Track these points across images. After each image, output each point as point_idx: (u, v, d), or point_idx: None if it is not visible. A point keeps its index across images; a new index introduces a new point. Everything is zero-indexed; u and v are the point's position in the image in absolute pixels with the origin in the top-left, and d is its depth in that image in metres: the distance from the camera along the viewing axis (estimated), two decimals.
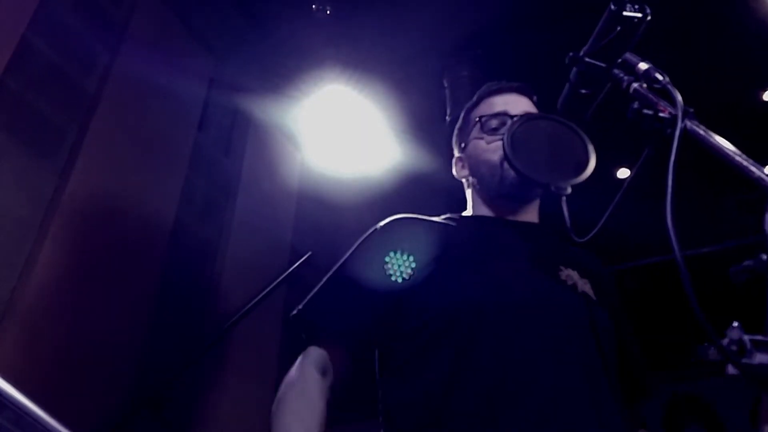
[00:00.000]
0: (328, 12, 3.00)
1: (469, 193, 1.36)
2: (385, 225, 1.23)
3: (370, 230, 1.24)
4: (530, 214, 1.28)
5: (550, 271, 1.12)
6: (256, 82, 3.50)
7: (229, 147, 3.56)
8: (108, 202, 2.55)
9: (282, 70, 3.45)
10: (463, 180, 1.37)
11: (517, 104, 1.31)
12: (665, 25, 2.77)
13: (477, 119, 1.32)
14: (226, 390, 2.99)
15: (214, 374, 2.87)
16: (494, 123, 1.29)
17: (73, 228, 2.35)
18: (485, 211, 1.29)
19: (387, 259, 1.12)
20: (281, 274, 1.90)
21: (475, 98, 1.38)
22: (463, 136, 1.38)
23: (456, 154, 1.40)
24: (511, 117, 1.27)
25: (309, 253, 1.96)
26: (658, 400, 3.77)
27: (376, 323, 1.13)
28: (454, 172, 1.40)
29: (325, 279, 1.21)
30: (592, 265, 1.23)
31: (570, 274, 1.13)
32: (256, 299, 1.87)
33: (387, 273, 1.10)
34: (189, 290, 2.97)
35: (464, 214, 1.34)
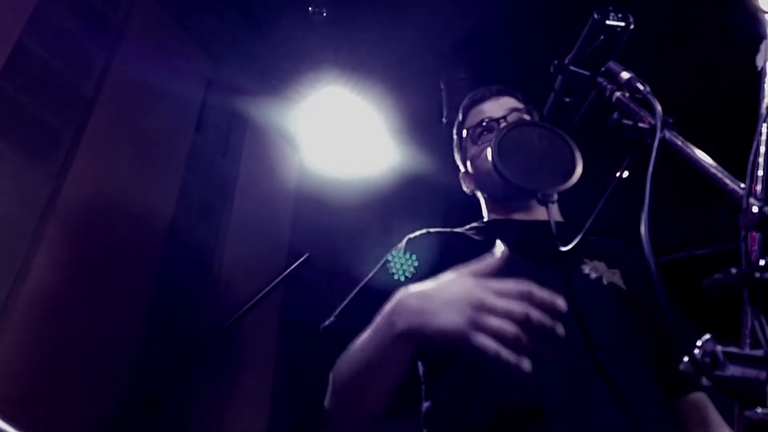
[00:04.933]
0: (325, 14, 3.00)
1: (482, 204, 1.39)
2: (411, 238, 1.26)
3: (400, 243, 1.26)
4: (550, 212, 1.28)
5: (571, 267, 1.10)
6: (253, 83, 3.51)
7: (226, 148, 3.56)
8: (104, 205, 2.56)
9: (279, 72, 3.45)
10: (476, 193, 1.40)
11: (499, 107, 1.34)
12: (664, 27, 2.78)
13: (465, 132, 1.37)
14: (224, 391, 2.99)
15: (211, 375, 2.87)
16: (481, 131, 1.33)
17: (69, 231, 2.35)
18: (500, 216, 1.32)
19: (389, 258, 1.12)
20: (279, 276, 1.90)
21: (460, 114, 1.42)
22: (462, 152, 1.42)
23: (461, 170, 1.44)
24: (496, 120, 1.31)
25: (307, 255, 1.95)
26: None
27: None
28: (464, 188, 1.43)
29: (354, 291, 1.22)
30: (624, 253, 1.19)
31: (596, 266, 1.12)
32: (254, 300, 1.87)
33: (390, 272, 1.10)
34: (186, 292, 2.97)
35: (485, 220, 1.37)
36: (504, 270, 1.13)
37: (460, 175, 1.44)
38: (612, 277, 1.11)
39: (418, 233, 1.26)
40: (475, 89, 1.44)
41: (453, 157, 1.49)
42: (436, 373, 1.10)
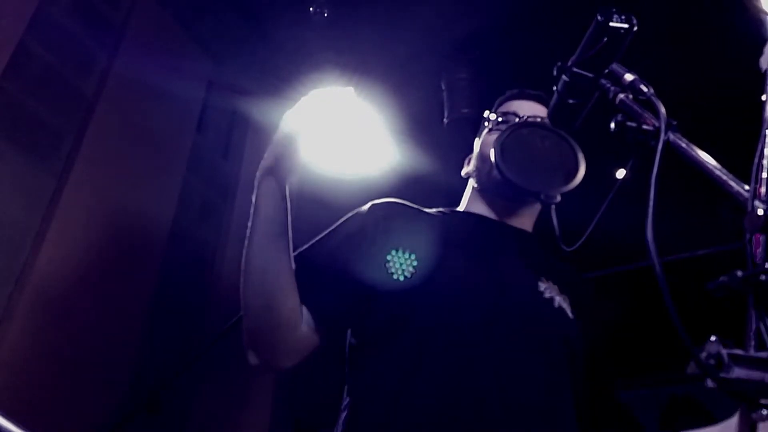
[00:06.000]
0: (326, 15, 3.00)
1: (468, 188, 1.37)
2: (376, 203, 1.24)
3: (364, 208, 1.24)
4: (523, 221, 1.28)
5: (529, 282, 1.11)
6: (254, 84, 3.50)
7: (227, 149, 3.56)
8: (106, 205, 2.56)
9: (280, 72, 3.45)
10: (470, 177, 1.38)
11: (528, 108, 1.33)
12: (664, 27, 2.78)
13: (488, 120, 1.36)
14: (223, 392, 2.99)
15: (211, 376, 2.88)
16: (501, 121, 1.32)
17: (71, 231, 2.36)
18: (479, 208, 1.30)
19: (389, 257, 1.12)
20: None
21: (495, 104, 1.41)
22: (477, 137, 1.41)
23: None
24: (518, 117, 1.30)
25: None
26: (656, 403, 3.76)
27: (346, 302, 1.12)
28: (462, 170, 1.41)
29: (324, 232, 1.22)
30: (573, 280, 1.21)
31: (549, 287, 1.12)
32: None
33: (389, 272, 1.10)
34: (187, 292, 2.97)
35: (457, 209, 1.34)
36: (468, 269, 1.12)
37: (467, 157, 1.42)
38: (562, 301, 1.12)
39: (383, 200, 1.25)
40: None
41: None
42: (366, 354, 1.08)
